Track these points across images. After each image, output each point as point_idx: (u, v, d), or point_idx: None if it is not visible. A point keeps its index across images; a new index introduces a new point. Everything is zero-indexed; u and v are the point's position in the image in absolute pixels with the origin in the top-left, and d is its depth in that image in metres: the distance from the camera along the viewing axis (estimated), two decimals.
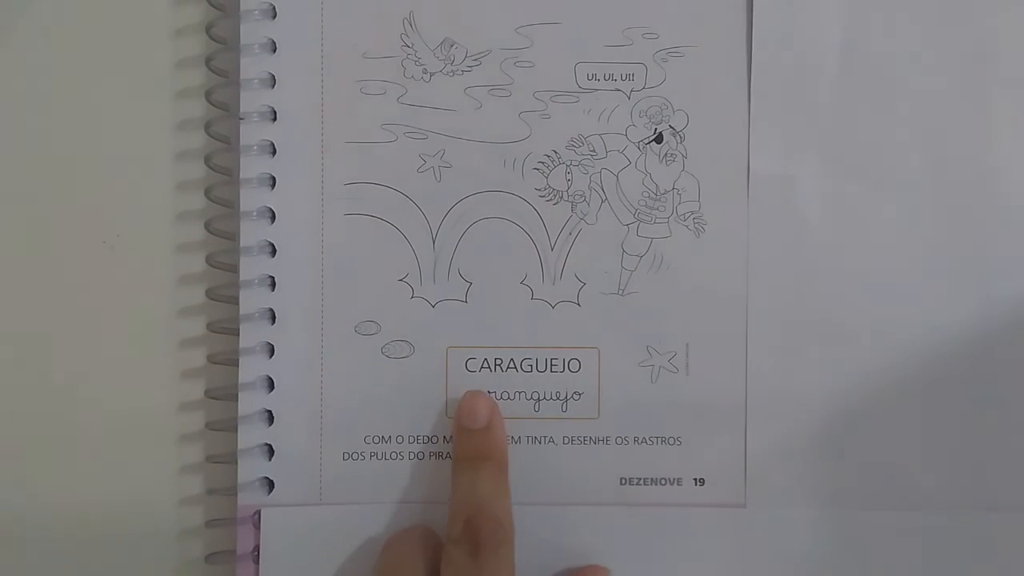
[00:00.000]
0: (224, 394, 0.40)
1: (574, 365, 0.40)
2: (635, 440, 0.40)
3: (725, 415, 0.40)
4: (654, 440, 0.40)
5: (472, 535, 0.36)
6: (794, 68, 0.39)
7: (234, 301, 0.40)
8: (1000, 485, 0.39)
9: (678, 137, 0.40)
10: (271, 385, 0.40)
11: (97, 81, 0.41)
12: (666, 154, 0.40)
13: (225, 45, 0.40)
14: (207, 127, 0.40)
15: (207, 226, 0.40)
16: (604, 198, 0.40)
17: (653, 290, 0.40)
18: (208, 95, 0.40)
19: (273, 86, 0.40)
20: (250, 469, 0.39)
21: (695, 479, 0.40)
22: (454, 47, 0.40)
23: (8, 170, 0.41)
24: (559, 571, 0.39)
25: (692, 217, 0.40)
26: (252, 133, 0.40)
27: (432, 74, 0.40)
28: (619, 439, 0.40)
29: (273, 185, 0.40)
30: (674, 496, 0.40)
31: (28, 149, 0.41)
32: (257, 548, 0.39)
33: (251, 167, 0.40)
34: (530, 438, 0.40)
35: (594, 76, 0.40)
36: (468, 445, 0.38)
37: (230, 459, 0.40)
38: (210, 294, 0.40)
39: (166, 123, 0.41)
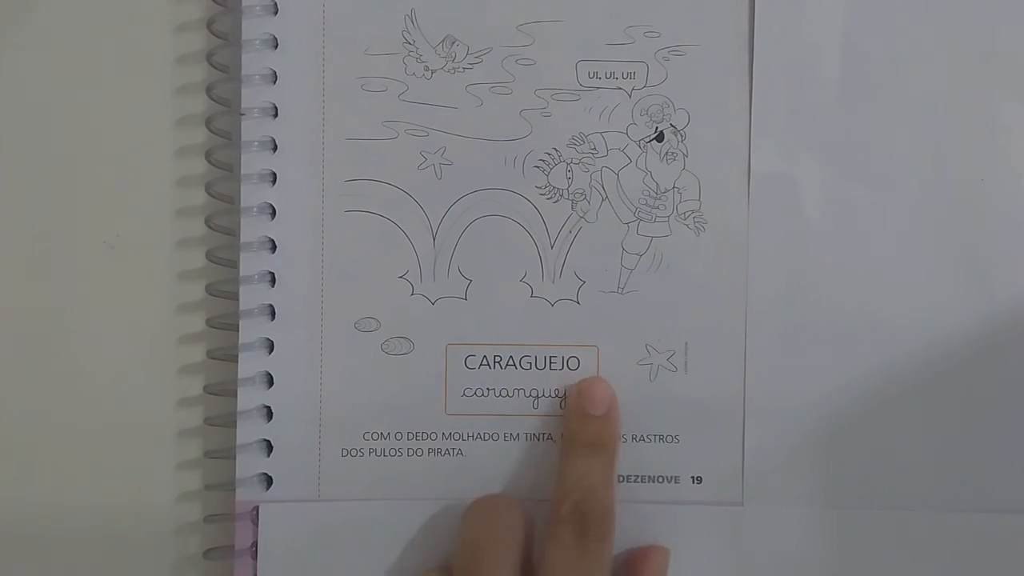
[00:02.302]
0: (223, 390, 0.40)
1: (573, 363, 0.40)
2: (633, 438, 0.40)
3: (723, 414, 0.40)
4: (652, 438, 0.40)
5: (581, 518, 0.36)
6: (795, 67, 0.40)
7: (234, 297, 0.40)
8: (1000, 485, 0.39)
9: (679, 136, 0.40)
10: (270, 381, 0.40)
11: (98, 77, 0.41)
12: (667, 153, 0.40)
13: (226, 41, 0.40)
14: (208, 123, 0.40)
15: (207, 222, 0.40)
16: (604, 196, 0.40)
17: (653, 289, 0.40)
18: (209, 91, 0.40)
19: (274, 82, 0.40)
20: (248, 465, 0.39)
21: (693, 477, 0.40)
22: (455, 44, 0.40)
23: (8, 169, 0.41)
24: (619, 552, 0.39)
25: (692, 216, 0.40)
26: (253, 129, 0.40)
27: (433, 71, 0.40)
28: None
29: (274, 181, 0.40)
30: (672, 494, 0.40)
31: (28, 147, 0.41)
32: (255, 544, 0.39)
33: (252, 163, 0.40)
34: (529, 435, 0.40)
35: (595, 74, 0.40)
36: (586, 430, 0.38)
37: (228, 455, 0.40)
38: (210, 290, 0.40)
39: (167, 119, 0.41)
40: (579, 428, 0.39)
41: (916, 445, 0.40)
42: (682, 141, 0.40)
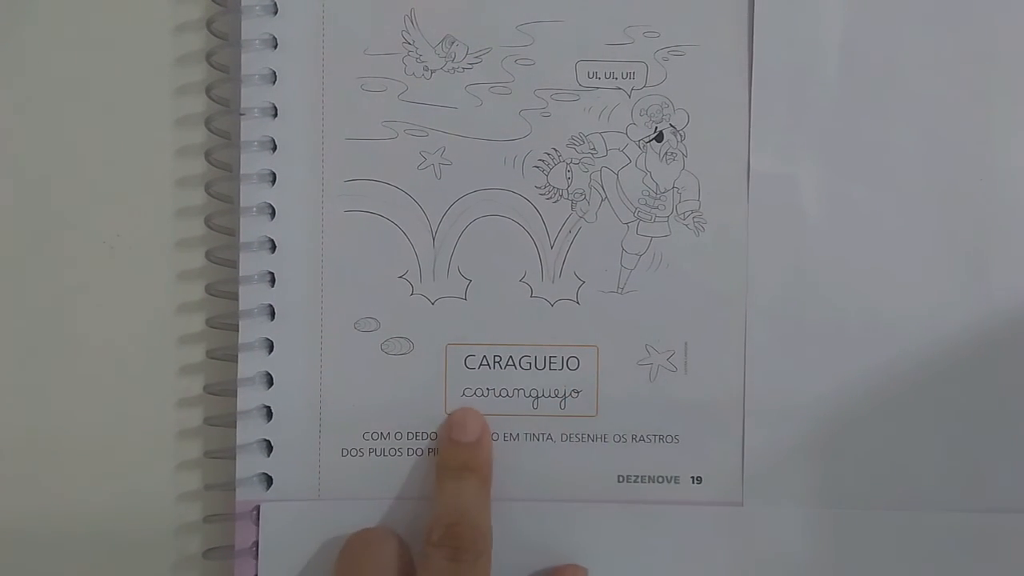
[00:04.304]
0: (223, 390, 0.40)
1: (573, 363, 0.40)
2: (633, 438, 0.40)
3: (723, 414, 0.40)
4: (652, 438, 0.40)
5: (454, 541, 0.36)
6: (795, 67, 0.40)
7: (234, 297, 0.40)
8: (1000, 485, 0.39)
9: (678, 136, 0.40)
10: (270, 381, 0.40)
11: (97, 77, 0.41)
12: (666, 153, 0.40)
13: (226, 41, 0.40)
14: (207, 123, 0.40)
15: (207, 222, 0.40)
16: (604, 196, 0.40)
17: (652, 289, 0.40)
18: (208, 91, 0.40)
19: (274, 82, 0.40)
20: (248, 465, 0.40)
21: (693, 477, 0.40)
22: (455, 44, 0.40)
23: (9, 169, 0.41)
24: (537, 571, 0.39)
25: (692, 216, 0.40)
26: (253, 129, 0.40)
27: (433, 71, 0.40)
28: (617, 437, 0.40)
29: (273, 181, 0.40)
30: (671, 494, 0.40)
31: (28, 147, 0.41)
32: (256, 544, 0.39)
33: (251, 163, 0.40)
34: (528, 435, 0.40)
35: (595, 74, 0.40)
36: (455, 456, 0.39)
37: (228, 455, 0.40)
38: (210, 290, 0.40)
39: (167, 119, 0.41)
40: (449, 454, 0.39)
41: (916, 445, 0.40)
42: (681, 141, 0.40)
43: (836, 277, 0.40)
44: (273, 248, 0.40)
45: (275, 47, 0.40)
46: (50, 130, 0.41)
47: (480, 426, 0.39)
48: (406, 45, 0.40)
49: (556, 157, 0.40)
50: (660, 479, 0.40)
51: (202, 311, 0.41)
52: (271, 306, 0.40)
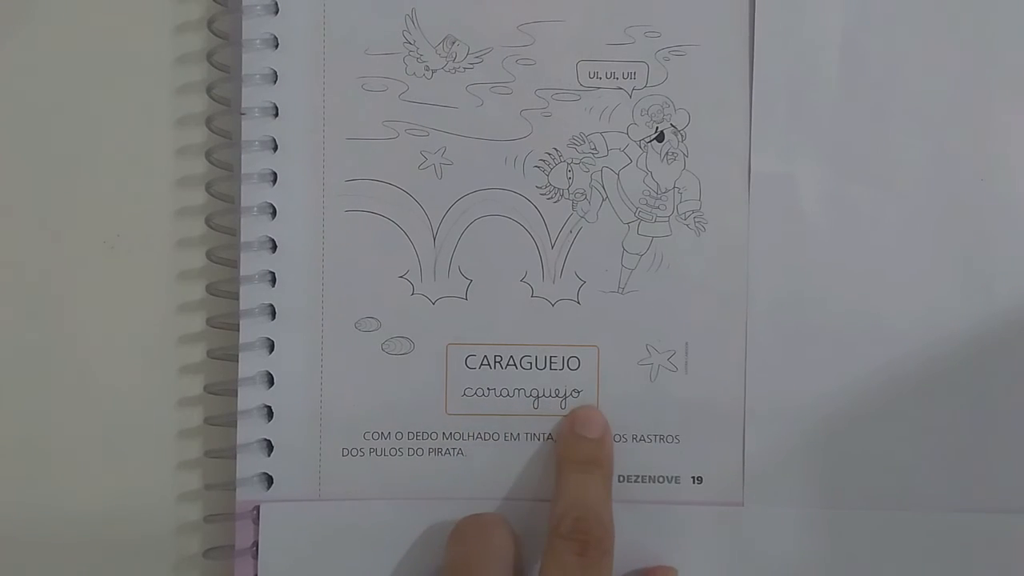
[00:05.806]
0: (223, 389, 0.40)
1: (573, 363, 0.40)
2: (633, 438, 0.40)
3: (724, 414, 0.40)
4: (652, 438, 0.40)
5: (582, 535, 0.36)
6: (796, 67, 0.40)
7: (234, 297, 0.40)
8: (1000, 485, 0.39)
9: (679, 136, 0.40)
10: (270, 381, 0.40)
11: (98, 77, 0.41)
12: (667, 153, 0.40)
13: (227, 40, 0.40)
14: (208, 122, 0.40)
15: (208, 221, 0.40)
16: (605, 196, 0.40)
17: (653, 289, 0.40)
18: (209, 90, 0.40)
19: (275, 82, 0.40)
20: (249, 464, 0.39)
21: (693, 477, 0.40)
22: (456, 44, 0.40)
23: (9, 169, 0.41)
24: (628, 571, 0.39)
25: (693, 216, 0.40)
26: (253, 129, 0.40)
27: (434, 71, 0.40)
28: (618, 437, 0.40)
29: (274, 181, 0.40)
30: (672, 494, 0.40)
31: (28, 147, 0.41)
32: (256, 544, 0.39)
33: (252, 163, 0.40)
34: (529, 435, 0.40)
35: (596, 74, 0.40)
36: (579, 450, 0.38)
37: (229, 454, 0.40)
38: (210, 289, 0.40)
39: (167, 119, 0.41)
40: (574, 448, 0.39)
41: (916, 446, 0.40)
42: (682, 141, 0.40)
43: (836, 277, 0.40)
44: (274, 248, 0.40)
45: (276, 47, 0.40)
46: (50, 129, 0.41)
47: (603, 424, 0.39)
48: (407, 45, 0.40)
49: (557, 157, 0.40)
50: (660, 479, 0.40)
51: (202, 311, 0.41)
52: (272, 306, 0.40)
